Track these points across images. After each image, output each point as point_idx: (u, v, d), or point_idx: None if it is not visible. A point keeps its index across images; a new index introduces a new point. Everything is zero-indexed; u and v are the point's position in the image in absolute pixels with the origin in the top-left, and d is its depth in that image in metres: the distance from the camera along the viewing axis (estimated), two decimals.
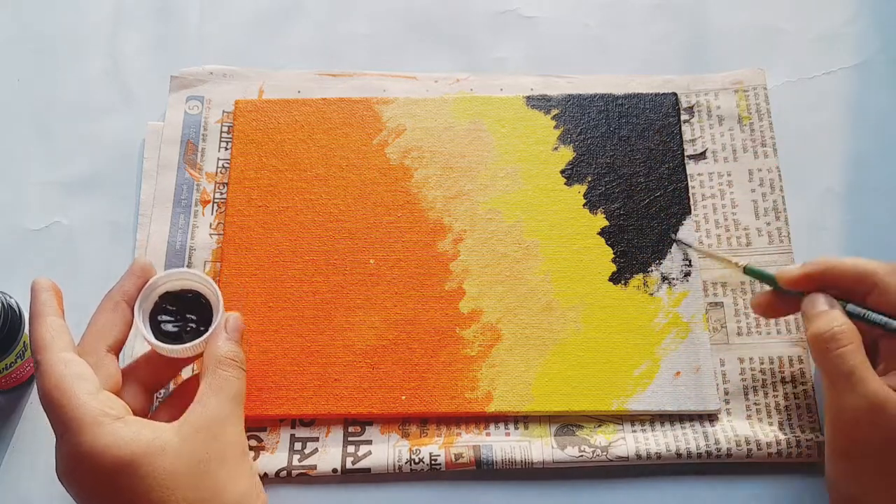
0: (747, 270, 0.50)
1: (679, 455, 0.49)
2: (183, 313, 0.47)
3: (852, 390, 0.42)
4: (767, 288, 0.49)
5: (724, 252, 0.54)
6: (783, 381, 0.51)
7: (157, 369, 0.48)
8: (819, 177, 0.58)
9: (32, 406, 0.52)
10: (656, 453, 0.49)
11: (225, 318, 0.46)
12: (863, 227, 0.56)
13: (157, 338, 0.46)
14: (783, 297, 0.48)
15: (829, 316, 0.44)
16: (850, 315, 0.45)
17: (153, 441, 0.40)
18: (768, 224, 0.55)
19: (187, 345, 0.46)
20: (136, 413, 0.43)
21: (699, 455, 0.49)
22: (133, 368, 0.47)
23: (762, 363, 0.52)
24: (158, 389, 0.49)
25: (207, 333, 0.46)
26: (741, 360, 0.52)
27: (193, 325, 0.47)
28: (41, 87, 0.61)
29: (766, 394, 0.51)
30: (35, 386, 0.52)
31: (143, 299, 0.46)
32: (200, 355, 0.46)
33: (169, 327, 0.47)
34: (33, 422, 0.51)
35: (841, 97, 0.60)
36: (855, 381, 0.42)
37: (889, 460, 0.42)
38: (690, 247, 0.54)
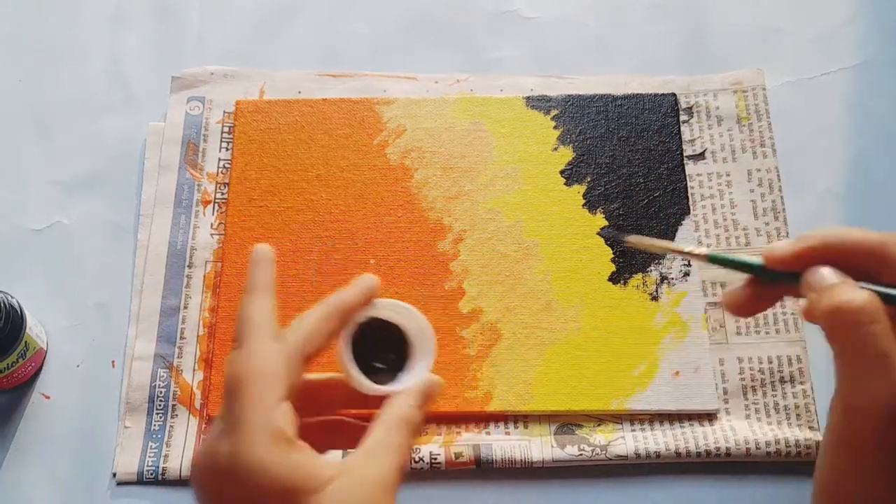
0: (712, 258, 0.39)
1: (678, 454, 0.49)
2: (372, 345, 0.41)
3: (884, 378, 0.33)
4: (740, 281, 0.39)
5: (680, 244, 0.46)
6: (782, 380, 0.51)
7: (316, 396, 0.42)
8: (818, 177, 0.58)
9: (34, 405, 0.52)
10: (655, 452, 0.49)
11: (433, 381, 0.40)
12: (862, 226, 0.56)
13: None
14: (763, 288, 0.38)
15: (848, 286, 0.34)
16: None
17: (317, 478, 0.36)
18: (767, 224, 0.56)
19: (384, 388, 0.40)
20: None
21: (698, 454, 0.49)
22: (313, 353, 0.40)
23: (761, 363, 0.52)
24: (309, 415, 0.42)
25: (414, 380, 0.40)
26: (740, 360, 0.52)
27: (379, 365, 0.41)
28: (42, 88, 0.61)
29: (764, 393, 0.51)
30: (35, 385, 0.52)
31: (350, 325, 0.40)
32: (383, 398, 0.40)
33: (360, 357, 0.40)
34: (35, 421, 0.52)
35: (840, 98, 0.60)
36: (888, 368, 0.33)
37: None
38: (624, 241, 0.48)
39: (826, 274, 0.35)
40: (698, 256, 0.39)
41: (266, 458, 0.35)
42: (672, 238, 0.55)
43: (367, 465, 0.37)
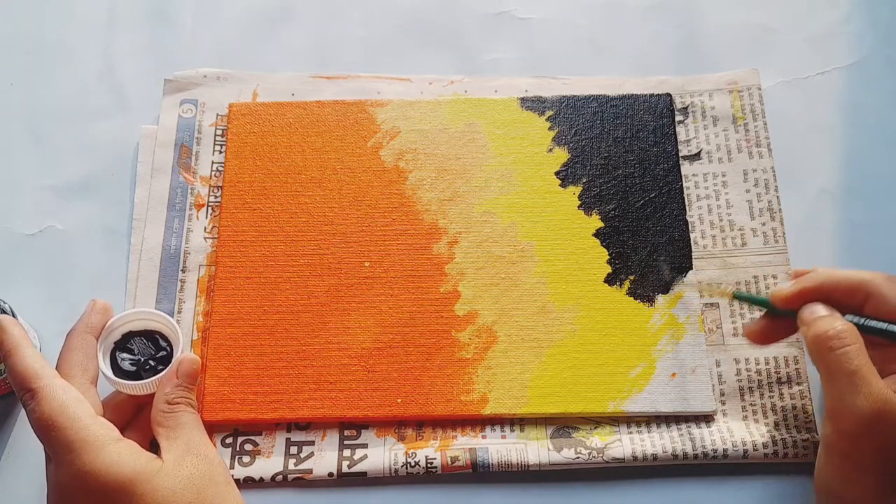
0: (737, 296, 0.50)
1: (675, 456, 0.49)
2: (144, 352, 0.49)
3: (856, 391, 0.41)
4: (758, 314, 0.49)
5: (717, 276, 0.54)
6: (779, 381, 0.51)
7: (123, 410, 0.48)
8: (814, 177, 0.58)
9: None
10: (652, 455, 0.49)
11: (178, 362, 0.48)
12: (858, 227, 0.56)
13: (116, 375, 0.48)
14: (778, 320, 0.48)
15: (830, 318, 0.44)
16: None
17: (151, 461, 0.42)
18: (763, 224, 0.55)
19: (138, 382, 0.47)
20: None
21: (695, 456, 0.49)
22: (104, 406, 0.47)
23: (758, 364, 0.52)
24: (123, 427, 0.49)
25: (160, 375, 0.47)
26: (737, 361, 0.52)
27: (152, 364, 0.48)
28: (34, 91, 0.61)
29: (761, 395, 0.51)
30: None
31: (105, 337, 0.48)
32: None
33: (127, 365, 0.48)
34: (29, 428, 0.51)
35: (835, 97, 0.60)
36: (859, 382, 0.41)
37: (892, 465, 0.41)
38: (672, 280, 0.54)
39: (816, 308, 0.44)
40: (726, 294, 0.52)
41: (101, 461, 0.40)
42: (675, 240, 0.55)
43: (173, 448, 0.44)
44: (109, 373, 0.47)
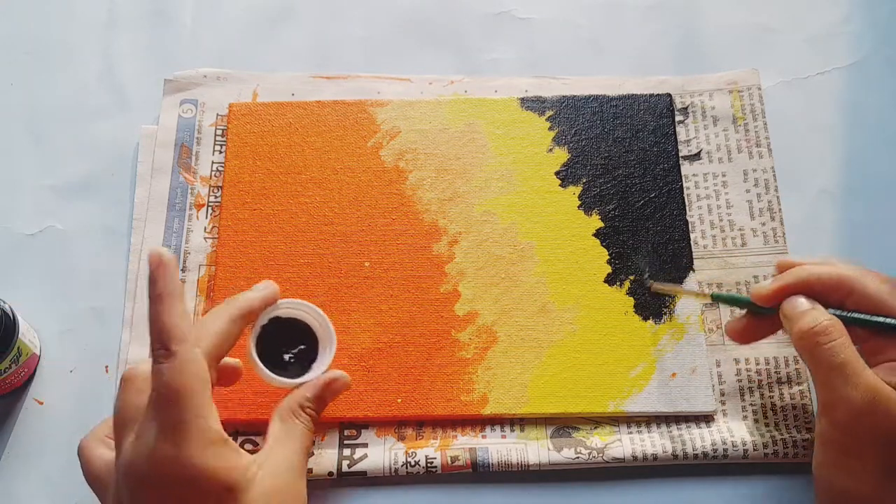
0: (715, 297, 0.49)
1: (675, 456, 0.49)
2: (287, 344, 0.47)
3: (847, 383, 0.41)
4: (739, 313, 0.48)
5: (692, 286, 0.53)
6: (779, 381, 0.51)
7: (224, 375, 0.47)
8: (814, 177, 0.58)
9: (27, 411, 0.52)
10: (652, 455, 0.49)
11: (334, 378, 0.46)
12: (858, 227, 0.56)
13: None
14: (760, 319, 0.47)
15: (814, 312, 0.43)
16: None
17: (247, 472, 0.40)
18: (763, 224, 0.55)
19: (288, 380, 0.45)
20: None
21: (695, 456, 0.49)
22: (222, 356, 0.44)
23: (758, 364, 0.52)
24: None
25: (311, 375, 0.46)
26: (737, 361, 0.52)
27: (292, 356, 0.47)
28: (35, 91, 0.61)
29: (761, 394, 0.51)
30: (29, 391, 0.52)
31: (257, 321, 0.46)
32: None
33: (273, 356, 0.46)
34: (28, 427, 0.51)
35: (835, 97, 0.60)
36: (849, 374, 0.41)
37: (889, 453, 0.41)
38: (649, 287, 0.53)
39: (798, 302, 0.44)
40: (704, 296, 0.51)
41: (209, 461, 0.38)
42: (678, 238, 0.55)
43: (276, 456, 0.42)
44: (259, 362, 0.45)
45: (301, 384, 0.46)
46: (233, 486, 0.39)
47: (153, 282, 0.40)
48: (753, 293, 0.46)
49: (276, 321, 0.47)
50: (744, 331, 0.48)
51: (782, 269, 0.47)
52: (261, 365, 0.45)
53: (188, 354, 0.39)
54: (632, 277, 0.54)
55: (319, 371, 0.47)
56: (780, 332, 0.48)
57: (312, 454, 0.49)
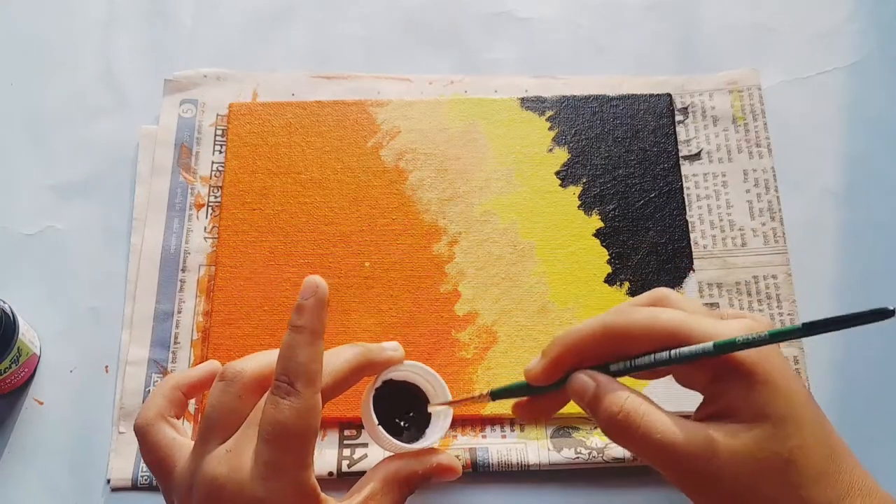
0: (494, 395, 0.41)
1: None
2: (398, 405, 0.44)
3: (681, 455, 0.34)
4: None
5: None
6: None
7: None
8: (814, 177, 0.58)
9: (27, 411, 0.52)
10: None
11: (448, 462, 0.42)
12: (858, 227, 0.56)
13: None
14: (547, 397, 0.40)
15: (610, 396, 0.36)
16: (616, 376, 0.37)
17: None
18: (763, 224, 0.55)
19: (410, 445, 0.42)
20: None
21: None
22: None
23: None
24: None
25: (426, 443, 0.42)
26: None
27: (406, 423, 0.44)
28: (34, 92, 0.61)
29: None
30: (28, 391, 0.52)
31: (373, 380, 0.43)
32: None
33: (381, 415, 0.42)
34: (28, 427, 0.51)
35: (836, 97, 0.60)
36: (674, 445, 0.34)
37: (738, 486, 0.34)
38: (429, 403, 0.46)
39: (581, 383, 0.37)
40: (481, 399, 0.42)
41: None
42: (680, 244, 0.55)
43: None
44: (380, 428, 0.42)
45: (416, 449, 0.42)
46: None
47: (300, 311, 0.38)
48: (527, 376, 0.39)
49: (390, 383, 0.44)
50: (531, 410, 0.41)
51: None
52: (378, 425, 0.42)
53: (311, 401, 0.37)
54: (632, 277, 0.54)
55: (435, 438, 0.43)
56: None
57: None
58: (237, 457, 0.37)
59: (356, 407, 0.50)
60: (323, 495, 0.38)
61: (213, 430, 0.38)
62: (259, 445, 0.36)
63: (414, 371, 0.44)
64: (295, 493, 0.37)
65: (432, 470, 0.42)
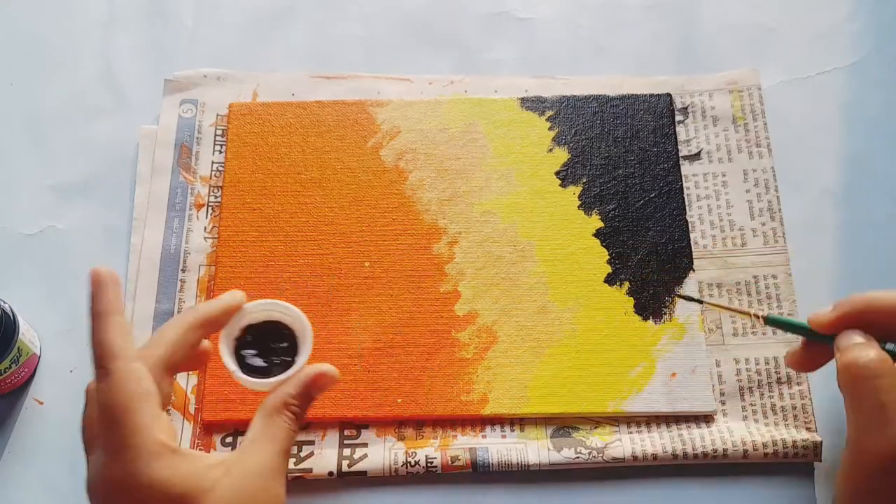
0: (769, 321, 0.46)
1: (675, 456, 0.49)
2: (268, 346, 0.45)
3: (879, 428, 0.38)
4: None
5: (737, 302, 0.53)
6: (779, 381, 0.51)
7: (189, 361, 0.44)
8: (814, 177, 0.58)
9: (27, 411, 0.52)
10: (652, 454, 0.49)
11: (318, 372, 0.43)
12: (858, 227, 0.56)
13: (243, 371, 0.44)
14: (816, 346, 0.44)
15: (863, 347, 0.40)
16: (890, 354, 0.40)
17: (204, 479, 0.39)
18: (763, 224, 0.55)
19: (266, 380, 0.43)
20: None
21: (695, 456, 0.49)
22: (177, 364, 0.43)
23: (758, 364, 0.52)
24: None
25: (291, 371, 0.43)
26: (737, 361, 0.52)
27: (278, 360, 0.44)
28: (34, 92, 0.61)
29: (761, 394, 0.51)
30: (29, 391, 0.52)
31: (227, 332, 0.44)
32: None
33: (256, 361, 0.44)
34: (29, 427, 0.51)
35: (836, 97, 0.60)
36: (884, 419, 0.37)
37: None
38: (701, 302, 0.51)
39: (852, 335, 0.41)
40: (756, 318, 0.46)
41: (157, 473, 0.37)
42: (678, 234, 0.55)
43: (248, 458, 0.40)
44: (238, 370, 0.43)
45: (282, 382, 0.43)
46: (186, 494, 0.38)
47: (92, 300, 0.40)
48: (811, 320, 0.43)
49: (253, 329, 0.45)
50: (802, 360, 0.46)
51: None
52: (236, 370, 0.43)
53: (123, 371, 0.39)
54: (632, 277, 0.54)
55: (301, 361, 0.44)
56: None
57: (308, 456, 0.49)
58: (96, 458, 0.39)
59: (356, 407, 0.50)
60: (186, 449, 0.39)
61: (86, 447, 0.40)
62: (100, 433, 0.38)
63: (268, 309, 0.45)
64: (144, 458, 0.37)
65: (306, 386, 0.43)
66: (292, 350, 0.45)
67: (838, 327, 0.42)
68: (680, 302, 0.53)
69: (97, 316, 0.40)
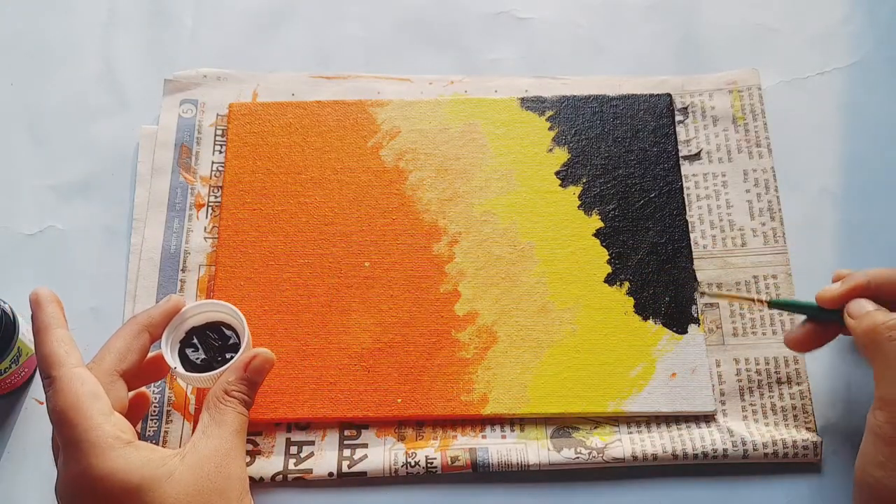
0: (772, 304, 0.49)
1: (675, 456, 0.49)
2: (213, 346, 0.48)
3: None
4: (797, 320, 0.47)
5: (740, 291, 0.54)
6: (779, 381, 0.51)
7: (147, 374, 0.48)
8: (814, 177, 0.58)
9: (27, 411, 0.52)
10: (652, 455, 0.49)
11: (251, 356, 0.46)
12: (858, 226, 0.56)
13: (186, 369, 0.47)
14: (821, 325, 0.47)
15: (879, 312, 0.43)
16: None
17: (161, 467, 0.41)
18: (763, 224, 0.55)
19: (204, 374, 0.46)
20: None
21: (695, 456, 0.49)
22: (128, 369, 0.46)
23: (758, 364, 0.52)
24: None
25: (225, 367, 0.46)
26: (737, 361, 0.52)
27: (220, 357, 0.48)
28: (35, 92, 0.61)
29: (761, 394, 0.51)
30: (29, 391, 0.52)
31: (172, 330, 0.47)
32: None
33: (198, 359, 0.48)
34: (28, 427, 0.51)
35: (835, 97, 0.60)
36: None
37: None
38: (703, 294, 0.53)
39: (864, 303, 0.44)
40: (760, 302, 0.49)
41: (109, 465, 0.40)
42: (678, 239, 0.55)
43: (201, 443, 0.43)
44: (179, 367, 0.46)
45: (221, 373, 0.46)
46: (142, 482, 0.40)
47: (33, 319, 0.44)
48: (821, 296, 0.46)
49: (196, 331, 0.48)
50: (804, 339, 0.48)
51: (840, 277, 0.47)
52: (177, 366, 0.46)
53: (67, 376, 0.41)
54: (632, 277, 0.54)
55: (240, 350, 0.47)
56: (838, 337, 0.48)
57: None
58: (59, 463, 0.41)
59: (356, 407, 0.50)
60: (141, 442, 0.42)
61: (54, 454, 0.43)
62: (58, 437, 0.41)
63: (207, 309, 0.48)
64: (98, 451, 0.40)
65: (242, 370, 0.45)
66: (237, 347, 0.48)
67: (846, 301, 0.45)
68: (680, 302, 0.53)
69: (39, 331, 0.43)
